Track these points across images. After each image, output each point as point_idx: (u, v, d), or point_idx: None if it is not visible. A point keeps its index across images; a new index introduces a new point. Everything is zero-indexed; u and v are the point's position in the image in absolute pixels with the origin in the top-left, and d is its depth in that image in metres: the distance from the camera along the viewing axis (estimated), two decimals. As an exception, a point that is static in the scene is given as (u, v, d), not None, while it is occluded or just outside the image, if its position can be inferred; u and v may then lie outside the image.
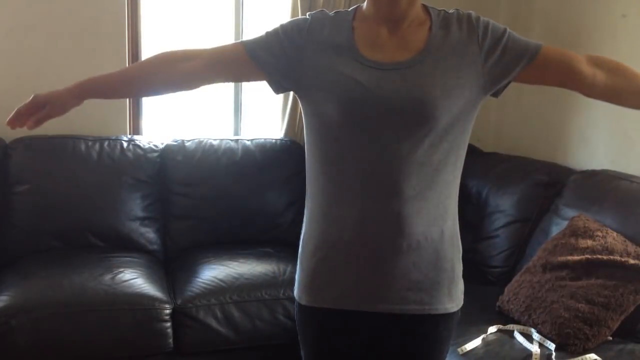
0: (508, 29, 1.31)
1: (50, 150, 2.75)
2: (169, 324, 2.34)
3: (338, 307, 1.34)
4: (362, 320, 1.35)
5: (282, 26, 1.35)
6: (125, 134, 3.00)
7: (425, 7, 1.33)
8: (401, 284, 1.31)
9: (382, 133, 1.25)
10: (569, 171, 2.69)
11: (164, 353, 2.35)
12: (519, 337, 2.08)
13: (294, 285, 1.44)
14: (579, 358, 1.94)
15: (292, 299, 2.39)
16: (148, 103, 3.17)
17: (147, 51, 3.07)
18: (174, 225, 2.89)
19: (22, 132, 2.85)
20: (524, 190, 2.70)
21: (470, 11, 1.32)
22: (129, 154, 2.84)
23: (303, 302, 1.39)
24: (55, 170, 2.73)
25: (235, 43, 1.39)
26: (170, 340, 2.35)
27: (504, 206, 2.73)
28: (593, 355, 1.94)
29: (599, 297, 2.03)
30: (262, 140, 3.07)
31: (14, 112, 1.30)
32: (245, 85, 3.26)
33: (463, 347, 2.02)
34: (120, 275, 2.41)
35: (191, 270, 2.59)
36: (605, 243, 2.13)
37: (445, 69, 1.26)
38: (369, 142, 1.26)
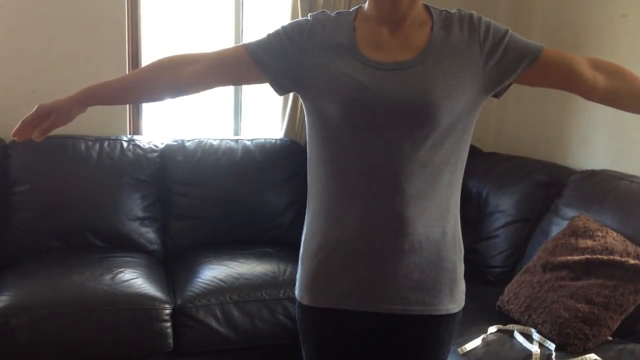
0: (510, 30, 1.31)
1: (50, 150, 2.75)
2: (169, 324, 2.34)
3: (339, 307, 1.34)
4: (364, 321, 1.34)
5: (283, 27, 1.35)
6: (125, 134, 3.00)
7: (426, 7, 1.33)
8: (403, 284, 1.31)
9: (383, 133, 1.25)
10: (569, 171, 2.69)
11: (164, 353, 2.35)
12: (519, 337, 2.08)
13: (294, 285, 1.44)
14: (579, 358, 1.95)
15: (292, 299, 2.41)
16: (148, 103, 3.16)
17: (147, 51, 3.07)
18: (174, 225, 2.89)
19: (22, 132, 2.84)
20: (524, 190, 2.70)
21: (472, 12, 1.32)
22: (129, 154, 2.84)
23: (304, 302, 1.39)
24: (55, 170, 2.73)
25: (236, 46, 1.39)
26: (170, 340, 2.35)
27: (504, 206, 2.73)
28: (593, 355, 1.95)
29: (599, 297, 2.03)
30: (262, 140, 3.07)
31: (19, 123, 1.30)
32: (245, 85, 3.26)
33: (463, 347, 2.03)
34: (120, 275, 2.41)
35: (191, 270, 2.59)
36: (605, 243, 2.14)
37: (447, 69, 1.26)
38: (370, 142, 1.26)
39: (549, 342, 2.03)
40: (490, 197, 2.82)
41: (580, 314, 2.02)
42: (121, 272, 2.44)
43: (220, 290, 2.44)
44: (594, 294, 2.04)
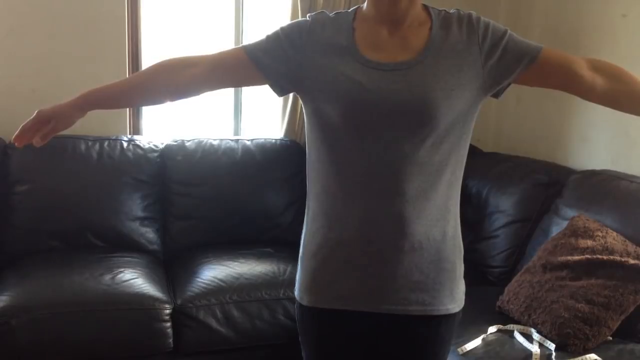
0: (509, 30, 1.31)
1: (50, 150, 2.74)
2: (169, 324, 2.34)
3: (339, 308, 1.34)
4: (364, 321, 1.34)
5: (282, 29, 1.35)
6: (125, 134, 3.00)
7: (425, 8, 1.33)
8: (403, 284, 1.31)
9: (383, 133, 1.25)
10: (569, 171, 2.69)
11: (164, 353, 2.35)
12: (519, 337, 2.08)
13: (294, 285, 1.44)
14: (579, 358, 1.95)
15: (292, 299, 2.40)
16: (148, 107, 3.16)
17: (147, 52, 3.07)
18: (174, 225, 2.89)
19: (22, 132, 2.83)
20: (524, 190, 2.70)
21: (471, 11, 1.32)
22: (129, 154, 2.84)
23: (304, 303, 1.39)
24: (55, 170, 2.73)
25: (236, 48, 1.39)
26: (170, 340, 2.35)
27: (504, 206, 2.73)
28: (593, 355, 1.95)
29: (599, 297, 2.03)
30: (262, 140, 3.07)
31: (19, 129, 1.30)
32: (245, 87, 3.25)
33: (463, 347, 2.02)
34: (120, 275, 2.41)
35: (191, 270, 2.59)
36: (605, 243, 2.14)
37: (446, 69, 1.26)
38: (370, 142, 1.26)
39: (549, 342, 2.03)
40: (490, 197, 2.81)
41: (580, 314, 2.02)
42: (121, 272, 2.44)
43: (220, 290, 2.44)
44: (594, 294, 2.04)
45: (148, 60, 3.04)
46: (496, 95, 1.35)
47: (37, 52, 2.83)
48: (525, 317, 2.15)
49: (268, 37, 1.36)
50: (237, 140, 3.05)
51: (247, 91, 3.29)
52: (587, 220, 2.28)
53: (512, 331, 2.13)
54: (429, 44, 1.28)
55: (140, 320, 2.29)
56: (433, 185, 1.28)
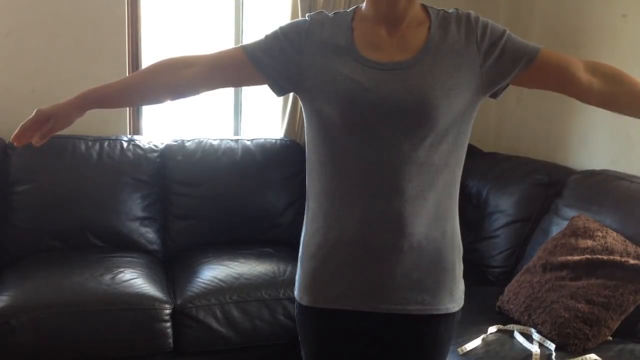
0: (507, 31, 1.31)
1: (50, 150, 2.74)
2: (169, 324, 2.34)
3: (339, 308, 1.34)
4: (363, 321, 1.34)
5: (281, 28, 1.35)
6: (125, 134, 3.00)
7: (424, 7, 1.33)
8: (402, 284, 1.31)
9: (382, 133, 1.25)
10: (569, 171, 2.69)
11: (164, 353, 2.35)
12: (519, 337, 2.08)
13: (294, 285, 1.44)
14: (579, 358, 1.94)
15: (292, 299, 2.40)
16: (148, 106, 3.16)
17: (147, 51, 3.07)
18: (174, 225, 2.89)
19: (22, 132, 2.83)
20: (524, 190, 2.70)
21: (470, 11, 1.32)
22: (129, 154, 2.84)
23: (304, 303, 1.39)
24: (55, 170, 2.73)
25: (235, 47, 1.39)
26: (170, 340, 2.35)
27: (504, 206, 2.73)
28: (593, 356, 1.94)
29: (599, 297, 2.03)
30: (262, 140, 3.07)
31: (18, 128, 1.30)
32: (245, 87, 3.25)
33: (463, 347, 2.02)
34: (120, 275, 2.41)
35: (191, 270, 2.59)
36: (605, 243, 2.13)
37: (444, 69, 1.26)
38: (369, 142, 1.26)
39: (549, 342, 2.02)
40: (490, 197, 2.81)
41: (580, 314, 2.02)
42: (121, 272, 2.44)
43: (220, 290, 2.44)
44: (594, 294, 2.04)
45: (148, 60, 3.04)
46: (494, 96, 1.34)
47: (37, 52, 2.83)
48: (525, 317, 2.15)
49: (267, 37, 1.36)
50: (237, 140, 3.05)
51: (247, 91, 3.29)
52: (587, 220, 2.28)
53: (512, 331, 2.13)
54: (428, 44, 1.28)
55: (140, 320, 2.29)
56: (432, 185, 1.29)
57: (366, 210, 1.29)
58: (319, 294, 1.36)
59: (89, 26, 2.87)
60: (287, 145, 3.08)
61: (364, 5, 1.34)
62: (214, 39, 3.23)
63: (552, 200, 2.59)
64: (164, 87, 1.37)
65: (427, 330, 1.36)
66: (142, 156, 2.86)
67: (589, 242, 2.16)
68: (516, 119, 3.25)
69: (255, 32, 3.15)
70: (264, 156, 3.01)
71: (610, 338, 2.05)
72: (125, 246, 2.74)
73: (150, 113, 3.19)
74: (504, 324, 2.17)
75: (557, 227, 2.42)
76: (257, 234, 2.94)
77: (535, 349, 1.99)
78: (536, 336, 2.07)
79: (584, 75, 1.30)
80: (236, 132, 3.29)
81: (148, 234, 2.82)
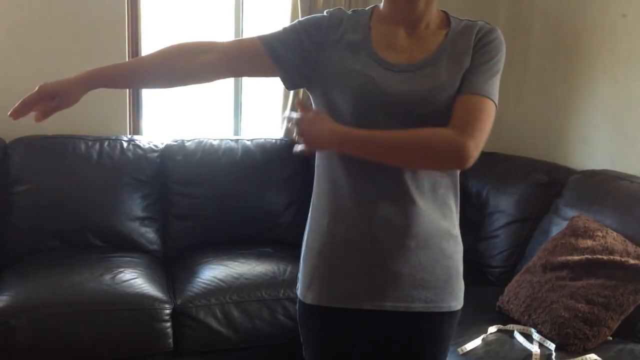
0: (501, 59, 1.28)
1: (50, 150, 2.75)
2: (169, 324, 2.34)
3: (342, 306, 1.34)
4: (367, 319, 1.35)
5: (300, 22, 1.36)
6: (125, 134, 3.00)
7: (447, 16, 1.34)
8: (407, 282, 1.31)
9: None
10: (569, 171, 2.69)
11: (164, 353, 2.35)
12: (519, 337, 2.08)
13: (294, 285, 1.44)
14: (579, 358, 1.95)
15: (292, 299, 2.41)
16: (148, 103, 3.17)
17: (147, 51, 3.06)
18: (174, 225, 2.89)
19: (22, 132, 2.85)
20: (524, 190, 2.70)
21: (494, 26, 1.31)
22: (129, 154, 2.84)
23: (307, 301, 1.39)
24: (55, 170, 2.73)
25: (251, 37, 1.37)
26: (170, 340, 2.35)
27: (504, 206, 2.73)
28: (593, 356, 1.94)
29: (599, 297, 2.03)
30: (262, 140, 3.07)
31: (18, 103, 1.26)
32: (245, 85, 3.26)
33: (463, 347, 2.02)
34: (120, 275, 2.41)
35: (191, 270, 2.59)
36: (605, 243, 2.14)
37: (452, 73, 1.27)
38: None
39: (549, 342, 2.03)
40: (490, 197, 2.82)
41: (580, 314, 2.02)
42: (121, 272, 2.44)
43: (220, 290, 2.44)
44: (594, 294, 2.04)
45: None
46: None
47: (37, 52, 2.83)
48: (525, 317, 2.15)
49: (285, 29, 1.36)
50: (237, 140, 3.05)
51: (247, 91, 3.29)
52: (587, 220, 2.28)
53: (512, 331, 2.13)
54: (441, 48, 1.29)
55: (140, 320, 2.29)
56: (437, 185, 1.30)
57: (372, 209, 1.29)
58: (323, 292, 1.36)
59: (89, 26, 2.87)
60: (287, 145, 3.07)
61: (381, 5, 1.35)
62: (214, 39, 3.22)
63: (552, 200, 2.59)
64: (179, 71, 1.35)
65: (430, 327, 1.37)
66: (142, 156, 2.86)
67: (589, 242, 2.16)
68: (516, 119, 3.25)
69: (255, 32, 3.14)
70: (264, 156, 3.01)
71: (610, 338, 2.05)
72: (125, 246, 2.73)
73: (150, 113, 3.19)
74: (504, 324, 2.17)
75: (557, 227, 2.42)
76: (257, 234, 2.94)
77: (535, 349, 1.99)
78: (536, 336, 2.07)
79: (449, 133, 1.22)
80: (236, 132, 3.29)
81: (148, 234, 2.82)
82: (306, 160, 3.00)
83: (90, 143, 2.81)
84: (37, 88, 1.27)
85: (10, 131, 2.72)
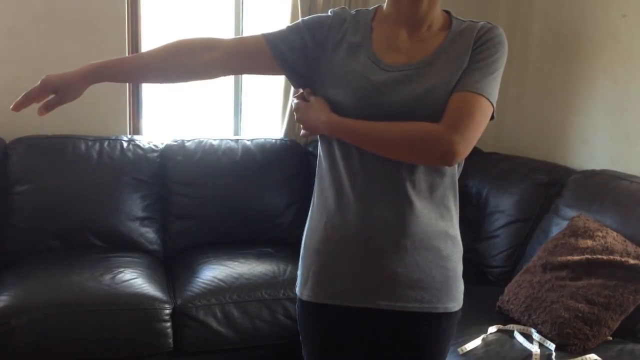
0: (500, 58, 1.28)
1: (50, 150, 2.75)
2: (169, 324, 2.34)
3: (339, 304, 1.35)
4: (364, 317, 1.35)
5: (303, 21, 1.37)
6: (125, 134, 3.00)
7: (449, 17, 1.34)
8: (403, 282, 1.31)
9: None
10: (569, 171, 2.69)
11: (164, 353, 2.35)
12: (519, 337, 2.08)
13: (294, 285, 1.45)
14: (579, 358, 1.95)
15: (292, 299, 2.41)
16: (148, 103, 3.17)
17: (147, 51, 3.06)
18: (174, 225, 2.89)
19: (22, 132, 2.85)
20: (524, 190, 2.70)
21: (495, 26, 1.31)
22: (129, 154, 2.84)
23: (304, 298, 1.39)
24: (55, 170, 2.73)
25: (255, 35, 1.37)
26: (170, 340, 2.35)
27: (504, 206, 2.73)
28: (593, 356, 1.95)
29: (599, 297, 2.03)
30: (262, 140, 3.07)
31: (21, 96, 1.25)
32: (245, 85, 3.26)
33: (463, 347, 2.02)
34: (120, 275, 2.41)
35: (191, 270, 2.59)
36: (605, 243, 2.14)
37: (450, 74, 1.27)
38: None
39: (549, 342, 2.03)
40: (490, 197, 2.81)
41: (580, 314, 2.02)
42: (121, 272, 2.44)
43: (220, 290, 2.44)
44: (594, 294, 2.04)
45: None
46: None
47: (37, 52, 2.83)
48: (525, 317, 2.15)
49: (289, 27, 1.37)
50: (237, 140, 3.05)
51: (247, 91, 3.29)
52: (587, 220, 2.28)
53: (512, 331, 2.13)
54: (440, 49, 1.29)
55: (140, 320, 2.29)
56: (434, 185, 1.30)
57: (370, 208, 1.30)
58: (320, 290, 1.37)
59: (89, 26, 2.87)
60: (287, 145, 3.08)
61: (385, 5, 1.35)
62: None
63: (552, 200, 2.59)
64: (182, 68, 1.35)
65: (427, 328, 1.36)
66: (142, 156, 2.86)
67: (589, 242, 2.16)
68: (516, 119, 3.25)
69: (255, 32, 3.15)
70: (264, 156, 3.00)
71: (610, 338, 2.05)
72: (125, 246, 2.74)
73: (150, 113, 3.19)
74: (504, 324, 2.17)
75: (557, 227, 2.42)
76: (257, 234, 2.94)
77: (535, 349, 1.99)
78: (536, 336, 2.07)
79: (438, 128, 1.22)
80: (236, 132, 3.29)
81: (148, 234, 2.82)
82: (306, 160, 3.01)
83: (90, 143, 2.81)
84: (40, 81, 1.27)
85: (10, 131, 2.72)
